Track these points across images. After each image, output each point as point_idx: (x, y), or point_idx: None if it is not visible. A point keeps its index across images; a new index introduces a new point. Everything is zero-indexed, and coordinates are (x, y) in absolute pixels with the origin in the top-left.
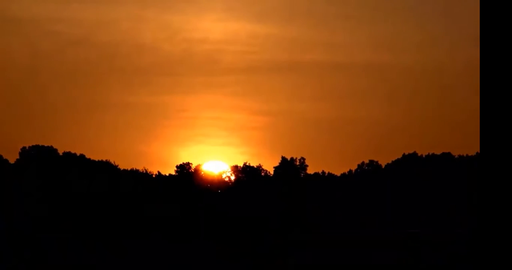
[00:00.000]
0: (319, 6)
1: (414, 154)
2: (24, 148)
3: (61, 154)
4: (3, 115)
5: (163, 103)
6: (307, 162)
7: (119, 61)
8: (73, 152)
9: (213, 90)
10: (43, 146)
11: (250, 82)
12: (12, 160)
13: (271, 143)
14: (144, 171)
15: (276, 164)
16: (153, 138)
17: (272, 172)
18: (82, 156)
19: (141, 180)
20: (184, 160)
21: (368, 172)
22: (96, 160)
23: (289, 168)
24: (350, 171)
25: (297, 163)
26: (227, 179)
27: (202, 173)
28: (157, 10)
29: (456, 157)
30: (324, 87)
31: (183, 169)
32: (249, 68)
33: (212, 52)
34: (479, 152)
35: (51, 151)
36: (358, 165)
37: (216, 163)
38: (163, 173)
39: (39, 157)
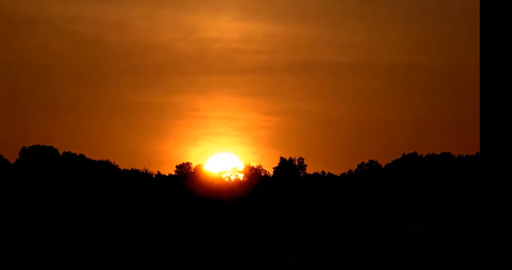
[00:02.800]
0: (335, 7)
1: (414, 154)
2: (24, 148)
3: (61, 154)
4: (3, 115)
5: (175, 103)
6: (307, 162)
7: (132, 61)
8: (73, 152)
9: (226, 90)
10: (43, 146)
11: (264, 83)
12: (12, 160)
13: (274, 143)
14: (144, 171)
15: (276, 164)
16: (163, 137)
17: (272, 172)
18: (82, 156)
19: (141, 180)
20: (191, 160)
21: (368, 172)
22: (96, 160)
23: (288, 168)
24: (350, 171)
25: (296, 163)
26: (227, 179)
27: (202, 173)
28: (171, 9)
29: (456, 157)
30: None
31: (183, 169)
32: (263, 68)
33: (226, 52)
34: (479, 152)
35: (51, 151)
36: (358, 165)
37: (228, 155)
38: (163, 172)
39: (39, 157)
